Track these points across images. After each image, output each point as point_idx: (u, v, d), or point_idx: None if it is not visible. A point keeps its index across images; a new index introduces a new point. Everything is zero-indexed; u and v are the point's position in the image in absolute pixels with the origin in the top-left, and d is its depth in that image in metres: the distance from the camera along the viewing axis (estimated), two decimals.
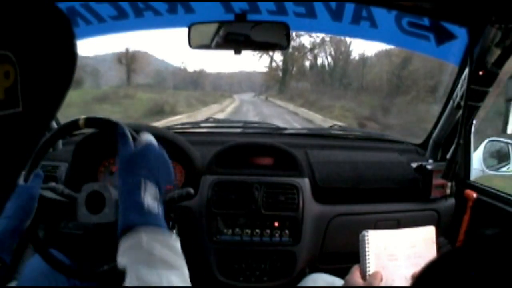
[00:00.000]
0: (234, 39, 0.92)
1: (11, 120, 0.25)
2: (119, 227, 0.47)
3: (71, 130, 0.71)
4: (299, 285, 0.89)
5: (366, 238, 0.65)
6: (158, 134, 1.02)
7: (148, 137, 0.58)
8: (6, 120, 0.25)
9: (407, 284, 0.64)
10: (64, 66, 0.29)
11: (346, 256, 0.80)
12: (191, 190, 0.82)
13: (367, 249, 0.64)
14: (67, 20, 0.28)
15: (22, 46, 0.25)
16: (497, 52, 0.84)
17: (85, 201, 0.74)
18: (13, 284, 0.88)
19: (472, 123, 1.03)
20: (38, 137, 0.31)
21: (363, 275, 0.64)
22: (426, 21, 1.08)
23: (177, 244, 0.48)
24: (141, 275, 0.42)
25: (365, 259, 0.64)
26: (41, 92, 0.28)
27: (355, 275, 0.64)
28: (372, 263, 0.64)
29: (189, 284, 0.45)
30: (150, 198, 0.49)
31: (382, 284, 0.62)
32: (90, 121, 0.68)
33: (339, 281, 0.84)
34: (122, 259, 0.44)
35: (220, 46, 0.94)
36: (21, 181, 0.69)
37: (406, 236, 0.67)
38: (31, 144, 0.29)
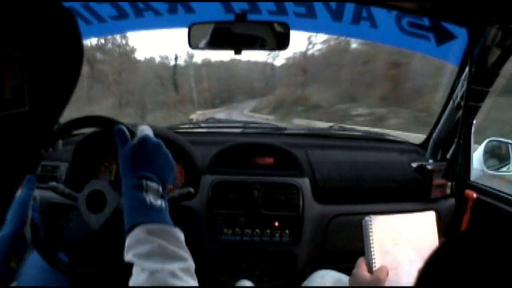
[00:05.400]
0: (234, 39, 0.92)
1: (17, 119, 0.25)
2: (125, 227, 0.49)
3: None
4: (307, 281, 0.89)
5: (369, 223, 0.66)
6: (158, 134, 1.03)
7: (144, 130, 0.59)
8: (13, 119, 0.25)
9: (411, 267, 0.65)
10: (70, 65, 0.29)
11: (346, 256, 0.80)
12: (192, 190, 0.82)
13: (370, 235, 0.65)
14: (73, 19, 0.28)
15: (28, 45, 0.25)
16: (497, 52, 0.84)
17: (86, 201, 0.74)
18: (14, 284, 0.88)
19: (472, 123, 1.03)
20: (44, 136, 0.31)
21: (369, 266, 0.65)
22: (426, 21, 1.08)
23: (181, 236, 0.50)
24: (145, 267, 0.44)
25: (369, 245, 0.65)
26: (48, 91, 0.27)
27: (362, 268, 0.64)
28: (377, 249, 0.65)
29: (194, 275, 0.48)
30: (152, 195, 0.51)
31: (388, 270, 0.63)
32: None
33: (346, 278, 0.84)
34: (127, 255, 0.46)
35: (220, 46, 0.94)
36: None
37: (407, 221, 0.69)
38: (37, 143, 0.29)
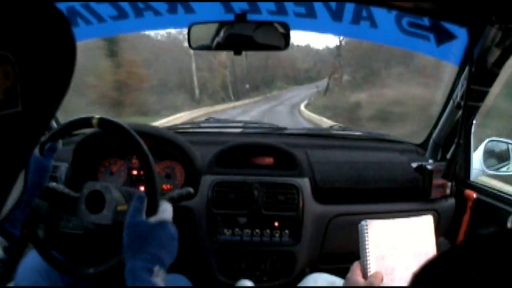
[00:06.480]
0: (234, 39, 0.92)
1: (10, 120, 0.25)
2: None
3: (83, 127, 0.71)
4: (300, 284, 0.89)
5: (365, 228, 0.64)
6: (158, 134, 1.03)
7: (166, 212, 0.61)
8: (5, 120, 0.25)
9: (407, 273, 0.64)
10: (63, 66, 0.29)
11: (346, 256, 0.80)
12: (191, 190, 0.82)
13: (366, 239, 0.64)
14: (66, 20, 0.28)
15: (21, 46, 0.25)
16: (497, 52, 0.85)
17: (85, 201, 0.74)
18: (12, 284, 0.88)
19: (472, 123, 1.03)
20: (37, 137, 0.31)
21: (364, 271, 0.63)
22: (426, 21, 1.08)
23: None
24: None
25: (365, 249, 0.64)
26: (41, 92, 0.28)
27: (356, 273, 0.63)
28: (372, 253, 0.63)
29: None
30: (161, 280, 0.54)
31: (383, 274, 0.62)
32: (104, 122, 0.68)
33: (339, 281, 0.84)
34: None
35: (220, 46, 0.94)
36: (36, 152, 0.69)
37: (404, 226, 0.67)
38: (30, 144, 0.29)
